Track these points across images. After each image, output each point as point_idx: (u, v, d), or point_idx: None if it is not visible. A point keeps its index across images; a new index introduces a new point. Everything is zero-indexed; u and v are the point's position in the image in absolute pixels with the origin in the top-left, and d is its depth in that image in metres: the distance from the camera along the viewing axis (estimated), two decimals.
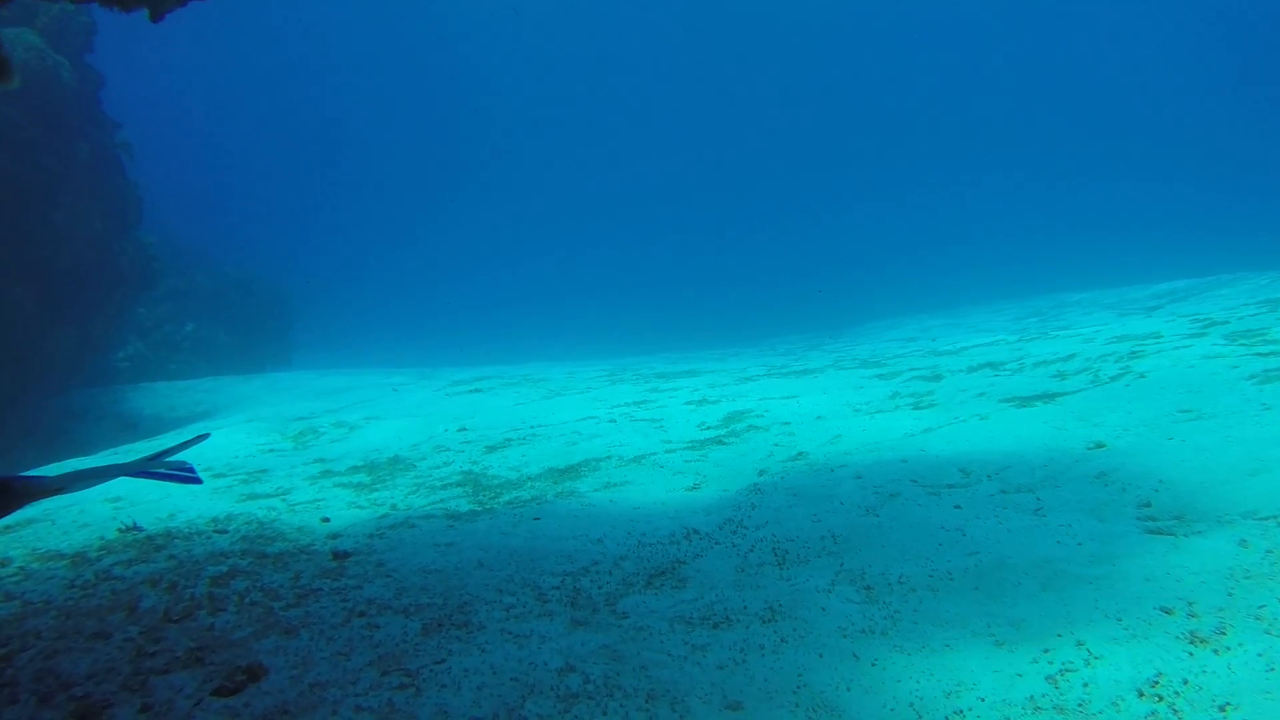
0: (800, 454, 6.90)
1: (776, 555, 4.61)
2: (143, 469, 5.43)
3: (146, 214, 22.58)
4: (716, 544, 4.93)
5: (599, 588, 4.57)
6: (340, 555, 5.56)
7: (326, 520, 6.53)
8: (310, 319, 33.15)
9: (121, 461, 5.45)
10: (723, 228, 65.59)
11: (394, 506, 6.85)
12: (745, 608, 4.01)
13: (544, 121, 70.83)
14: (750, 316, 36.96)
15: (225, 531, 6.34)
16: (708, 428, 8.34)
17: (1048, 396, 7.28)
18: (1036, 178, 67.25)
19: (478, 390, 13.10)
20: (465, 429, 9.57)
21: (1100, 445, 5.52)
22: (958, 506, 4.86)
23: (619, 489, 6.53)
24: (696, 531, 5.22)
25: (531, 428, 9.27)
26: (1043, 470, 5.29)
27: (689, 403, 9.74)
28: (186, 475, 5.88)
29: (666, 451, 7.46)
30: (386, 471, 8.02)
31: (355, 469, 8.27)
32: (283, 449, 9.61)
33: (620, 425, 8.86)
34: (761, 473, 6.46)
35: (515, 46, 65.41)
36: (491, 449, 8.42)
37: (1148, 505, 4.42)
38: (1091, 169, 65.95)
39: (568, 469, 7.32)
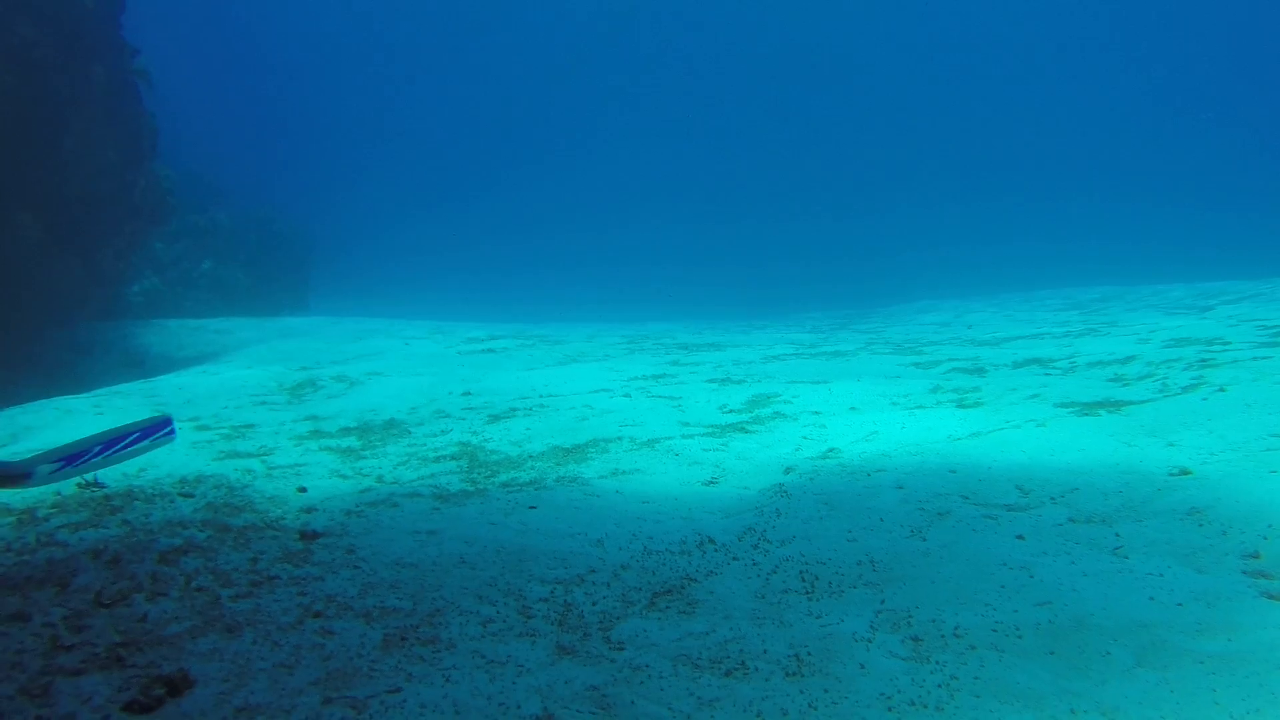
0: (832, 450, 6.15)
1: (805, 581, 3.87)
2: (113, 445, 4.84)
3: (168, 148, 21.89)
4: (734, 559, 4.20)
5: (593, 604, 3.85)
6: (309, 535, 4.88)
7: (303, 490, 5.85)
8: (335, 264, 32.56)
9: (102, 431, 4.86)
10: (756, 203, 64.39)
11: (380, 478, 6.16)
12: (765, 651, 3.28)
13: (589, 94, 69.67)
14: (778, 291, 36.08)
15: (191, 495, 5.68)
16: (730, 411, 7.59)
17: (1112, 405, 6.47)
18: (1075, 172, 65.50)
19: (490, 350, 12.39)
20: (470, 393, 8.87)
21: (1184, 471, 4.73)
22: (1021, 537, 4.09)
23: (627, 478, 5.81)
24: (711, 541, 4.48)
25: (540, 397, 8.55)
26: (1118, 497, 4.51)
27: (711, 380, 8.98)
28: (162, 435, 5.29)
29: (683, 437, 6.71)
30: (379, 436, 7.33)
31: (347, 431, 7.58)
32: (276, 402, 8.94)
33: (635, 401, 8.12)
34: (788, 470, 5.71)
35: (558, 23, 64.30)
36: (495, 418, 7.70)
37: (1256, 557, 3.64)
38: (1134, 168, 64.14)
39: (574, 449, 6.60)
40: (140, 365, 15.33)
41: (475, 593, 4.04)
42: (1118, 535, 4.03)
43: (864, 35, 65.61)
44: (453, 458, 6.58)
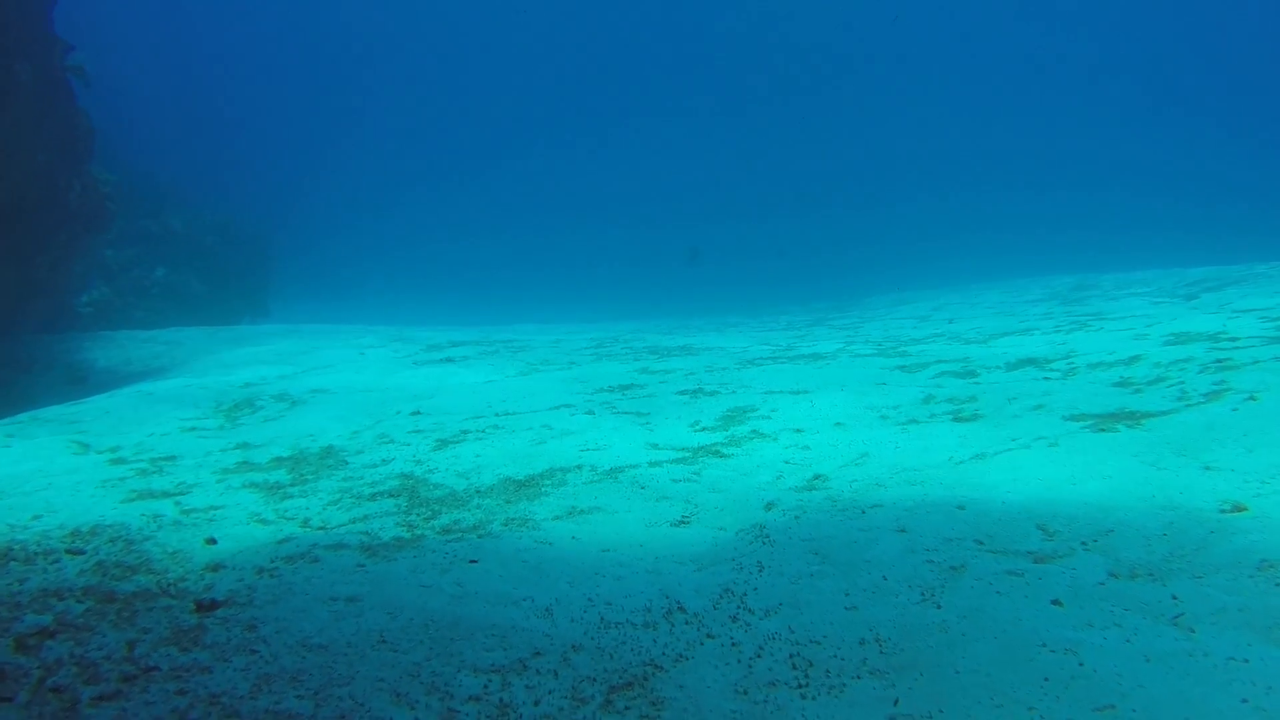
0: (818, 478, 5.35)
1: (796, 669, 3.07)
2: None
3: (115, 151, 20.79)
4: (709, 637, 3.39)
5: (535, 703, 3.03)
6: (206, 606, 4.03)
7: (212, 542, 4.99)
8: (306, 267, 31.50)
9: None
10: (727, 199, 63.66)
11: (306, 522, 5.32)
12: None
13: (553, 87, 68.42)
14: (749, 286, 35.38)
15: (81, 552, 4.81)
16: (703, 429, 6.78)
17: (1128, 417, 5.71)
18: (1040, 162, 65.24)
19: (449, 360, 11.52)
20: (420, 412, 8.01)
21: (1238, 507, 3.96)
22: (1057, 603, 3.30)
23: (586, 518, 4.98)
24: (681, 608, 3.67)
25: (496, 415, 7.70)
26: (1163, 542, 3.74)
27: (682, 392, 8.17)
28: None
29: (650, 464, 5.90)
30: (312, 468, 6.47)
31: (278, 462, 6.71)
32: (207, 428, 8.04)
33: (599, 419, 7.29)
34: (769, 506, 4.91)
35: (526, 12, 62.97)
36: (443, 443, 6.86)
37: None
38: (1100, 158, 63.94)
39: (527, 481, 5.77)
40: (83, 382, 14.32)
41: (392, 687, 3.21)
42: (1175, 599, 3.25)
43: (827, 29, 64.98)
44: (391, 494, 5.73)
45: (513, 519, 5.04)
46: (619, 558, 4.43)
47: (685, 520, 4.88)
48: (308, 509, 5.57)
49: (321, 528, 5.24)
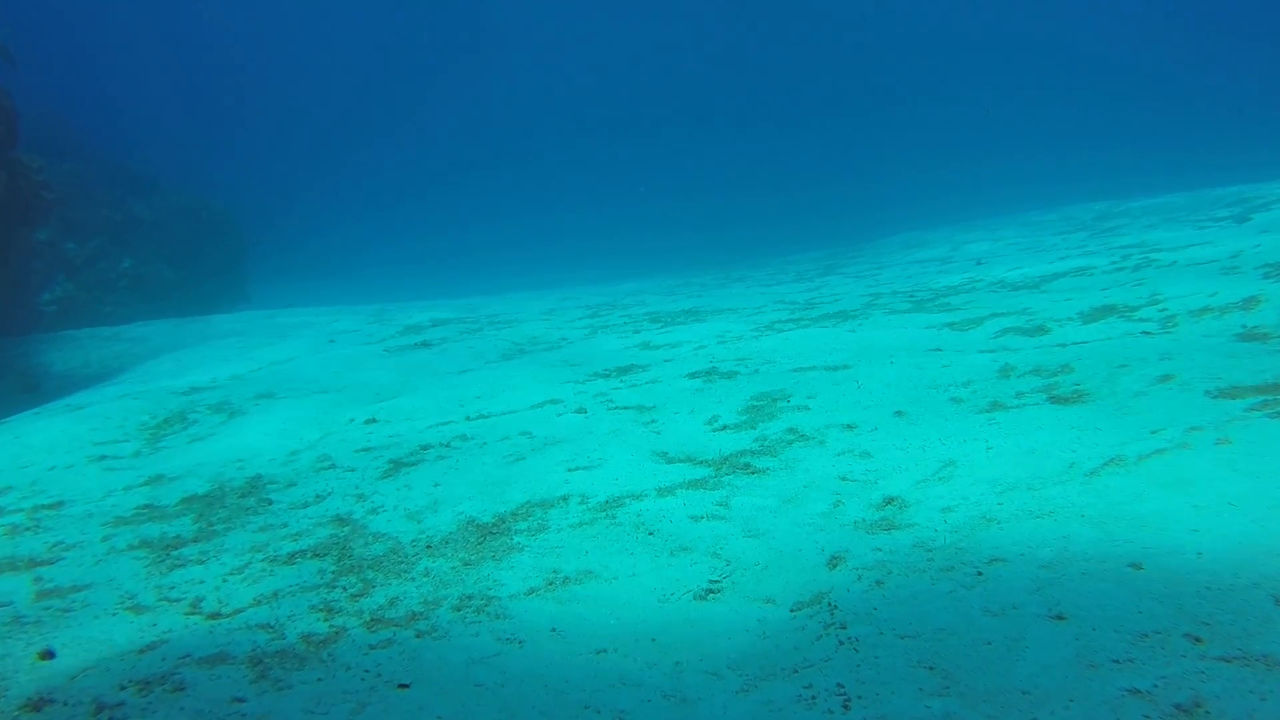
0: (891, 503, 3.77)
1: None
2: None
3: (69, 138, 19.01)
4: None
5: None
6: None
7: (48, 655, 3.45)
8: (284, 247, 29.80)
9: None
10: (718, 142, 61.41)
11: (194, 606, 3.78)
12: None
13: (536, 23, 65.69)
14: (748, 232, 33.54)
15: None
16: (724, 427, 5.19)
17: None
18: (1034, 87, 62.76)
19: (425, 344, 9.91)
20: (376, 420, 6.43)
21: None
22: None
23: (572, 592, 3.41)
24: None
25: (466, 420, 6.12)
26: None
27: (693, 375, 6.56)
28: None
29: (659, 489, 4.31)
30: (227, 513, 4.90)
31: (188, 504, 5.15)
32: (121, 454, 6.48)
33: (593, 420, 5.70)
34: (834, 561, 3.33)
35: None
36: (395, 467, 5.28)
37: None
38: (1078, 83, 61.45)
39: (496, 524, 4.19)
40: (37, 389, 12.75)
41: None
42: None
43: None
44: (315, 553, 4.17)
45: (470, 598, 3.47)
46: (621, 667, 2.86)
47: (714, 589, 3.30)
48: (203, 583, 4.02)
49: (213, 615, 3.69)
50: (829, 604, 3.00)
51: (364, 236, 47.02)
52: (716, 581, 3.34)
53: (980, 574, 2.99)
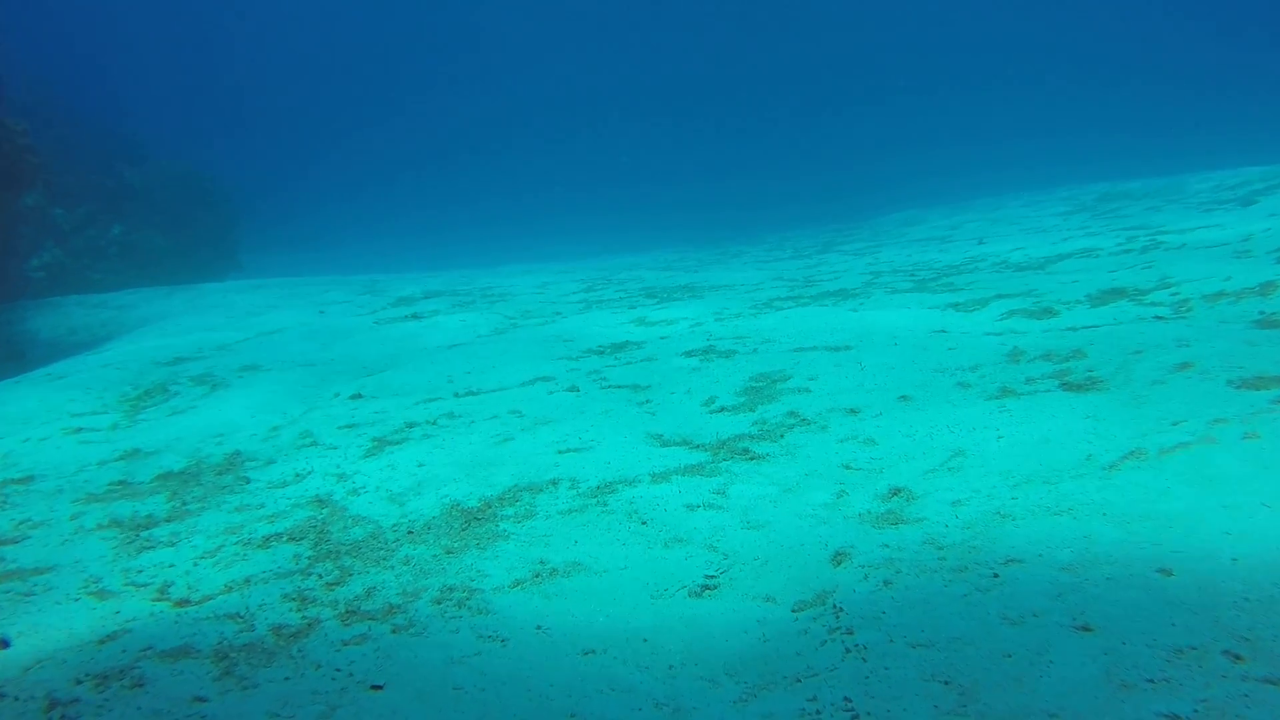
0: (898, 494, 3.56)
1: None
2: None
3: (60, 104, 18.61)
4: None
5: None
6: None
7: (3, 645, 3.24)
8: (278, 215, 29.42)
9: None
10: (715, 117, 60.83)
11: (162, 592, 3.57)
12: None
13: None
14: (743, 209, 33.19)
15: None
16: (722, 409, 4.96)
17: None
18: (1028, 70, 62.19)
19: (416, 316, 9.65)
20: (362, 395, 6.19)
21: None
22: None
23: (559, 585, 3.20)
24: None
25: (455, 396, 5.89)
26: None
27: (689, 353, 6.33)
28: None
29: (654, 475, 4.09)
30: (203, 490, 4.68)
31: (163, 480, 4.93)
32: (99, 426, 6.24)
33: (585, 398, 5.47)
34: (839, 557, 3.11)
35: None
36: (380, 445, 5.05)
37: None
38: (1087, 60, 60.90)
39: (482, 509, 3.97)
40: (22, 358, 12.50)
41: None
42: None
43: None
44: (292, 536, 3.95)
45: (451, 589, 3.25)
46: (610, 671, 2.66)
47: (711, 584, 3.09)
48: (173, 566, 3.80)
49: (181, 602, 3.48)
50: (834, 606, 2.79)
51: (360, 208, 46.53)
52: (713, 577, 3.13)
53: (996, 576, 2.78)
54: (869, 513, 3.44)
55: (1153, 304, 6.04)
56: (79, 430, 6.17)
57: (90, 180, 17.98)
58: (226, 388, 6.88)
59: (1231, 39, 60.17)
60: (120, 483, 4.98)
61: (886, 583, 2.87)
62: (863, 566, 3.01)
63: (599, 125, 62.15)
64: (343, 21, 62.09)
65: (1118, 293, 6.53)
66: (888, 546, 3.11)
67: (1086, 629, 2.40)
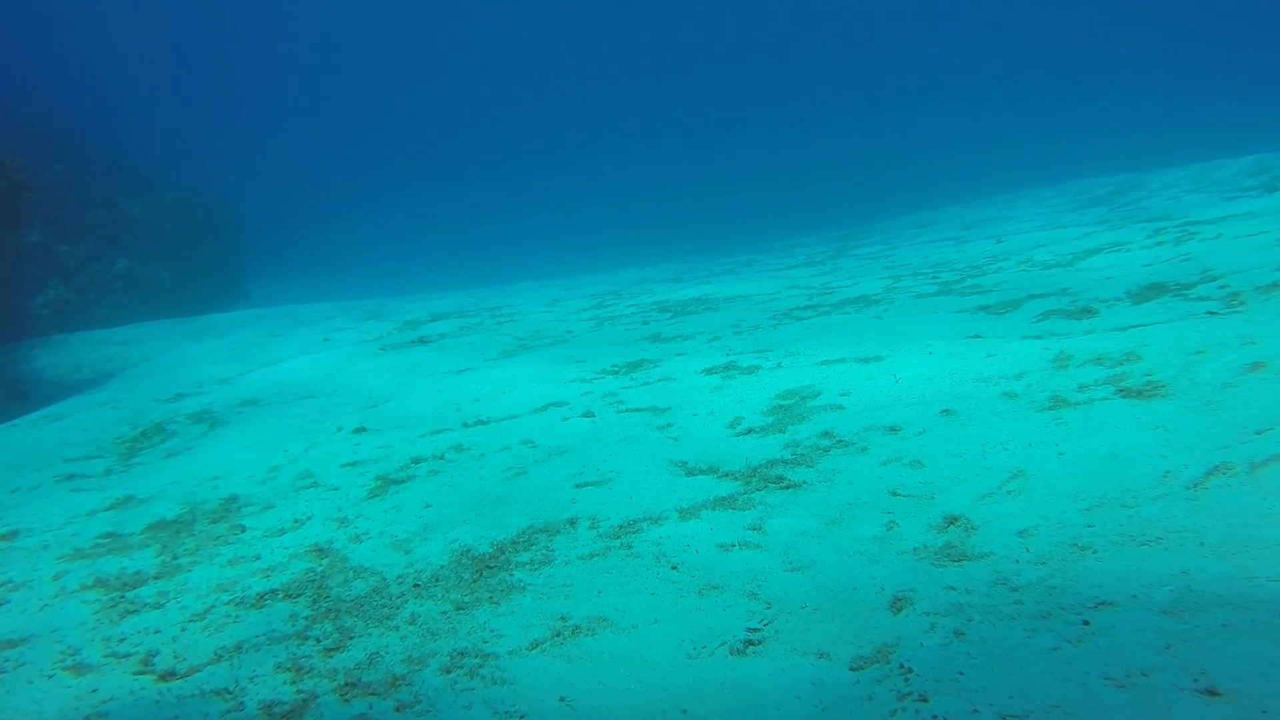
0: (954, 523, 3.17)
1: None
2: None
3: (61, 139, 18.43)
4: None
5: None
6: None
7: None
8: (284, 243, 29.22)
9: None
10: (717, 128, 60.61)
11: (145, 664, 3.22)
12: None
13: (536, 18, 64.64)
14: (750, 218, 32.84)
15: None
16: (749, 430, 4.58)
17: None
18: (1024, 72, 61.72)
19: (423, 341, 9.31)
20: (365, 428, 5.83)
21: None
22: None
23: (584, 644, 2.82)
24: None
25: (464, 427, 5.52)
26: None
27: (709, 370, 5.95)
28: None
29: (681, 510, 3.71)
30: (193, 542, 4.32)
31: (155, 531, 4.58)
32: (91, 472, 5.91)
33: (601, 425, 5.10)
34: (898, 604, 2.73)
35: None
36: (384, 484, 4.69)
37: None
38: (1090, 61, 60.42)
39: (495, 555, 3.60)
40: (24, 398, 12.20)
41: None
42: None
43: None
44: (289, 593, 3.59)
45: (462, 654, 2.88)
46: None
47: (755, 639, 2.71)
48: (159, 632, 3.44)
49: (165, 675, 3.11)
50: (900, 664, 2.40)
51: (366, 231, 46.38)
52: (756, 630, 2.75)
53: (1087, 623, 2.39)
54: (925, 547, 3.05)
55: (1200, 299, 5.63)
56: (70, 477, 5.84)
57: (94, 214, 17.77)
58: (225, 425, 6.54)
59: (1212, 38, 59.66)
60: (109, 535, 4.63)
61: (958, 634, 2.48)
62: (927, 614, 2.62)
63: (605, 139, 62.00)
64: (349, 42, 62.11)
65: (1159, 288, 6.13)
66: (953, 589, 2.72)
67: (1213, 693, 2.01)
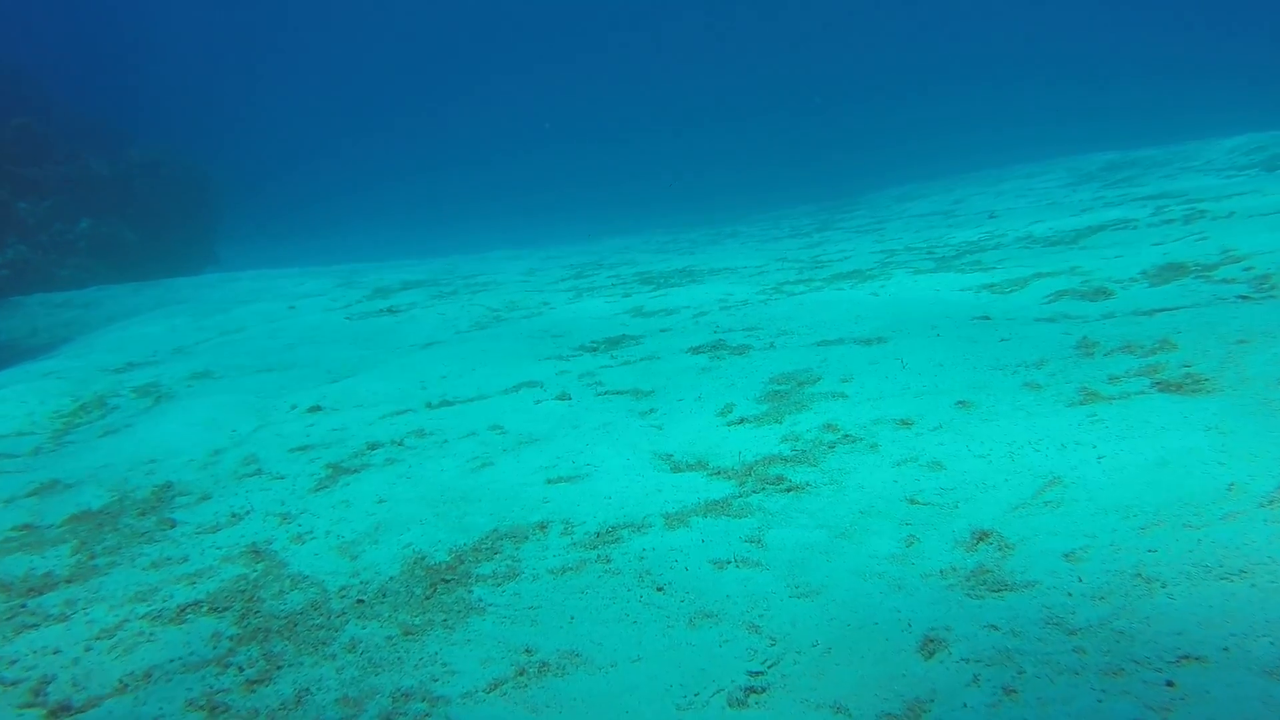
0: (982, 539, 2.70)
1: None
2: None
3: (23, 91, 17.60)
4: None
5: None
6: None
7: None
8: (258, 205, 28.33)
9: None
10: (705, 98, 59.69)
11: (35, 693, 2.71)
12: None
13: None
14: (733, 196, 32.17)
15: None
16: (742, 420, 4.09)
17: None
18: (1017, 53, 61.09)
19: (392, 310, 8.74)
20: (321, 407, 5.30)
21: None
22: None
23: (552, 687, 2.33)
24: None
25: (427, 408, 5.00)
26: None
27: (696, 349, 5.45)
28: None
29: (668, 516, 3.21)
30: (116, 540, 3.80)
31: (76, 523, 4.04)
32: (17, 452, 5.34)
33: (578, 409, 4.60)
34: (929, 645, 2.25)
35: None
36: (335, 473, 4.17)
37: None
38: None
39: (453, 565, 3.10)
40: None
41: None
42: None
43: None
44: (214, 606, 3.07)
45: (408, 696, 2.38)
46: None
47: (758, 686, 2.23)
48: (59, 652, 2.93)
49: (56, 710, 2.60)
50: None
51: (349, 197, 45.36)
52: (759, 674, 2.27)
53: (1172, 685, 1.92)
54: (954, 569, 2.58)
55: (1225, 280, 5.18)
56: None
57: (57, 171, 16.94)
58: (171, 400, 5.98)
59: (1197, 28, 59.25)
60: (25, 527, 4.09)
61: (1009, 691, 2.01)
62: (967, 661, 2.15)
63: (590, 114, 60.94)
64: (335, 15, 60.54)
65: (1178, 268, 5.67)
66: (996, 629, 2.25)
67: None
